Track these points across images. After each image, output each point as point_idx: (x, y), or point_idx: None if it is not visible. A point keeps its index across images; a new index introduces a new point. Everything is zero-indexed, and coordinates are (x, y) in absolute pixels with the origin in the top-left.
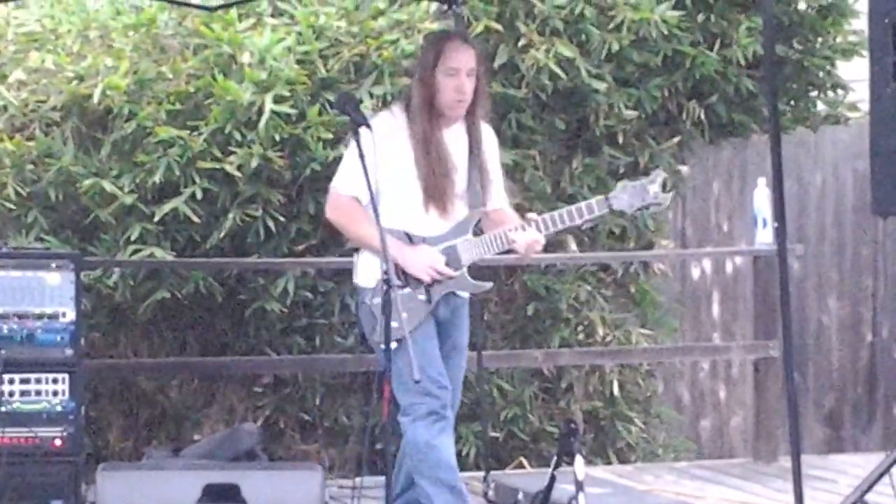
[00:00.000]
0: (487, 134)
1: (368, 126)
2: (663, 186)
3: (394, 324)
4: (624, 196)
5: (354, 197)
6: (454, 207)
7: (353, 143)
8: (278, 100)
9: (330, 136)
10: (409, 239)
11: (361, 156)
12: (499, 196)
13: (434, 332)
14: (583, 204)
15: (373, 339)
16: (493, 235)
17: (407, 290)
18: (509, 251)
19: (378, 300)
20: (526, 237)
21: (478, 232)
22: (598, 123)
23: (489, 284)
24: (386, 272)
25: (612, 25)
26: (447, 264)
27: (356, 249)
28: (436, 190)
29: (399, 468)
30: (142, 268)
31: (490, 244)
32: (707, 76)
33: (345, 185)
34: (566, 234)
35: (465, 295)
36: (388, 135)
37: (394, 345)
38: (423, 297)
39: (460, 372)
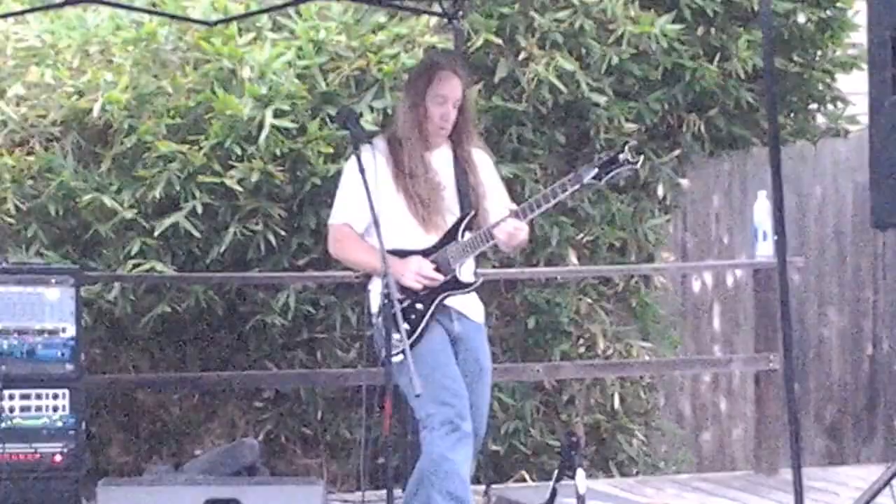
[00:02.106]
0: (480, 156)
1: (369, 141)
2: (635, 152)
3: (395, 336)
4: (594, 170)
5: (346, 224)
6: (445, 223)
7: (344, 175)
8: (279, 114)
9: (330, 150)
10: (405, 254)
11: (361, 170)
12: (500, 209)
13: (447, 344)
14: (556, 186)
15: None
16: (476, 234)
17: (407, 302)
18: (498, 250)
19: (381, 318)
20: (506, 227)
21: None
22: (599, 136)
23: (479, 280)
24: (386, 286)
25: (612, 39)
26: (438, 269)
27: (368, 277)
28: (426, 211)
29: (416, 485)
30: (142, 282)
31: (475, 242)
32: (707, 89)
33: (336, 215)
34: (567, 246)
35: (480, 320)
36: (371, 166)
37: (399, 357)
38: (420, 305)
39: (486, 397)
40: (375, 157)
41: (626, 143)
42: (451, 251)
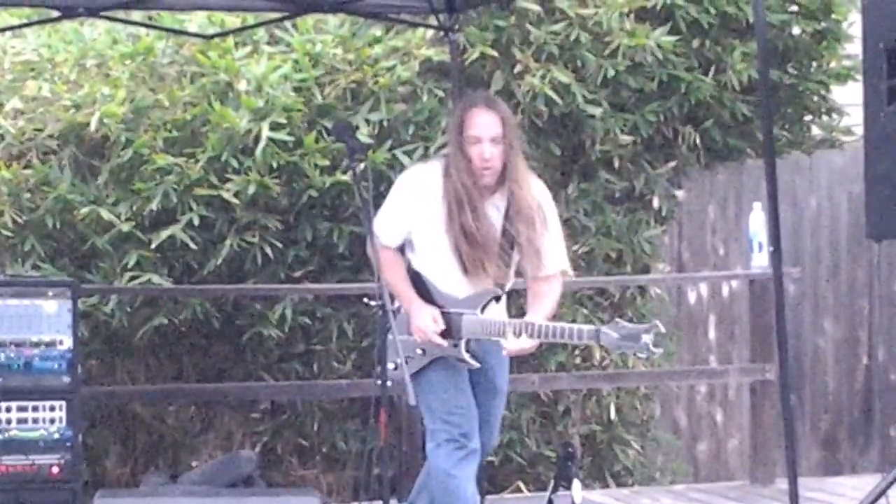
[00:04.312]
0: (535, 196)
1: (364, 153)
2: (655, 340)
3: (396, 361)
4: (614, 336)
5: (385, 245)
6: (481, 274)
7: (397, 185)
8: (275, 127)
9: (327, 162)
10: (440, 294)
11: (357, 180)
12: (536, 267)
13: (462, 366)
14: (575, 328)
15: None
16: (494, 323)
17: (413, 338)
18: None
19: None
20: (515, 343)
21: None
22: (594, 148)
23: (477, 365)
24: (381, 297)
25: (607, 51)
26: (447, 331)
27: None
28: (468, 256)
29: (419, 490)
30: (139, 295)
31: (489, 329)
32: (702, 101)
33: (379, 228)
34: None
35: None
36: (424, 188)
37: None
38: (419, 351)
39: (498, 414)
40: (430, 177)
41: (656, 326)
42: (466, 321)
